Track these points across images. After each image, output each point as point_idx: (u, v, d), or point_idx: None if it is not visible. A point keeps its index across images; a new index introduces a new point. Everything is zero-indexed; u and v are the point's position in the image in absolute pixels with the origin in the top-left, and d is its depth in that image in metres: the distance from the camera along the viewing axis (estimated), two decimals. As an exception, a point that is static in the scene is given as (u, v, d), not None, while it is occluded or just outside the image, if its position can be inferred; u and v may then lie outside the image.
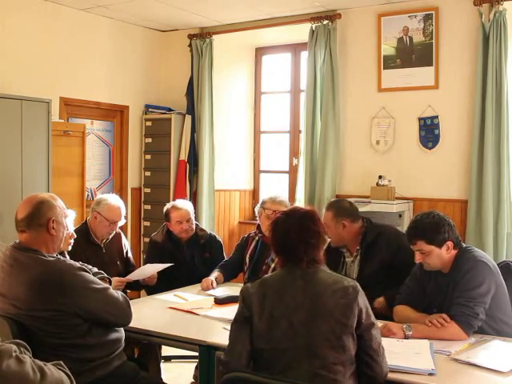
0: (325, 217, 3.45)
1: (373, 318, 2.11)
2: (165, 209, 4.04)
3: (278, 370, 2.02)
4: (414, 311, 2.85)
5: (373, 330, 2.08)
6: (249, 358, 2.10)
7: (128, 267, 3.89)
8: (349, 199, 3.82)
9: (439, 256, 2.74)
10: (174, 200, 5.71)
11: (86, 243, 3.62)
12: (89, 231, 3.67)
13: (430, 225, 2.73)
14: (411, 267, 2.99)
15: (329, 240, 3.57)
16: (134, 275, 3.61)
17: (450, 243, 2.74)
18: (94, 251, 3.64)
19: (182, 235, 3.95)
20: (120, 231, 3.90)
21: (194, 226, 3.98)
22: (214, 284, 3.66)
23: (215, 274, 3.78)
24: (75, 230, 3.70)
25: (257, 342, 2.08)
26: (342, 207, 3.49)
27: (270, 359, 2.05)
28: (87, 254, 3.52)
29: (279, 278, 2.16)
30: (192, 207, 4.07)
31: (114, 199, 3.74)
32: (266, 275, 2.27)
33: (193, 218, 4.00)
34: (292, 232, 2.15)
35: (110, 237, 3.74)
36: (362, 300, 2.08)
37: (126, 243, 3.95)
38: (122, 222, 3.74)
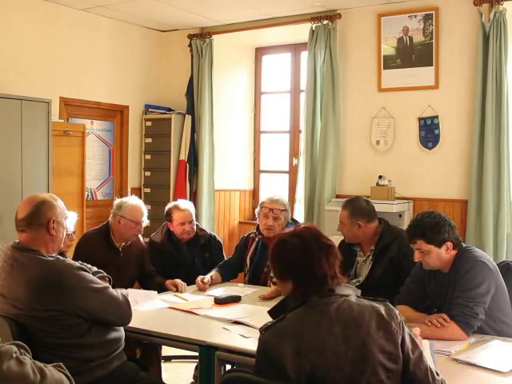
0: (341, 215, 3.46)
1: (417, 345, 1.86)
2: (166, 208, 4.01)
3: None
4: (414, 311, 2.85)
5: (422, 359, 1.84)
6: None
7: (143, 270, 3.83)
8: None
9: (438, 256, 2.74)
10: (174, 200, 5.75)
11: (105, 245, 3.62)
12: (109, 234, 3.65)
13: (431, 224, 2.72)
14: None
15: (339, 237, 3.58)
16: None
17: (449, 244, 2.73)
18: (112, 254, 3.61)
19: (183, 236, 3.93)
20: (139, 236, 3.88)
21: (195, 228, 3.98)
22: (206, 279, 3.62)
23: (212, 273, 3.77)
24: (94, 231, 3.71)
25: None
26: (359, 206, 3.47)
27: None
28: (105, 256, 3.50)
29: (310, 326, 1.77)
30: (193, 208, 4.06)
31: (134, 200, 3.74)
32: (289, 318, 1.82)
33: (194, 220, 3.99)
34: (309, 244, 1.85)
35: (135, 239, 3.72)
36: (406, 334, 1.82)
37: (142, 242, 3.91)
38: (145, 222, 3.72)
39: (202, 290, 3.57)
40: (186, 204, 4.02)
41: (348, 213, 3.44)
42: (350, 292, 1.87)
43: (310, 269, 1.83)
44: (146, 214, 3.72)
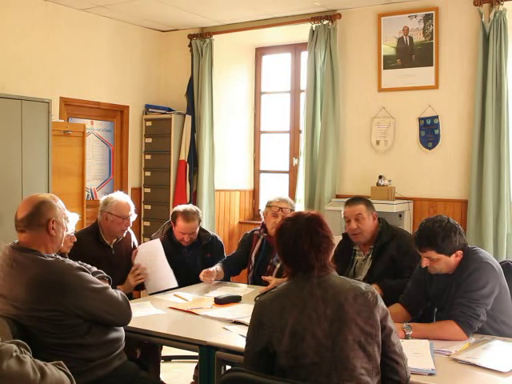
0: (359, 208, 3.42)
1: (392, 322, 2.07)
2: (174, 209, 4.00)
3: None
4: (403, 315, 2.86)
5: (394, 335, 2.05)
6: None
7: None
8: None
9: (447, 263, 2.73)
10: (174, 199, 5.76)
11: (96, 244, 3.63)
12: (99, 232, 3.67)
13: (442, 234, 2.68)
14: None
15: (339, 237, 3.58)
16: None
17: (459, 252, 2.72)
18: (104, 252, 3.63)
19: (180, 242, 3.95)
20: (130, 231, 3.89)
21: (195, 237, 3.94)
22: (211, 269, 3.66)
23: (218, 266, 3.77)
24: (84, 231, 3.71)
25: (281, 360, 1.97)
26: (367, 200, 3.54)
27: (296, 376, 1.94)
28: (97, 254, 3.51)
29: (295, 289, 2.05)
30: (200, 218, 3.96)
31: (120, 196, 3.76)
32: (278, 286, 2.15)
33: (197, 229, 3.94)
34: (301, 238, 2.06)
35: (124, 235, 3.73)
36: (382, 306, 2.04)
37: (136, 242, 3.95)
38: (133, 217, 3.73)
39: (207, 282, 3.59)
40: (192, 214, 3.90)
41: (365, 205, 3.44)
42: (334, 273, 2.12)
43: (299, 260, 2.07)
44: (132, 208, 3.73)
